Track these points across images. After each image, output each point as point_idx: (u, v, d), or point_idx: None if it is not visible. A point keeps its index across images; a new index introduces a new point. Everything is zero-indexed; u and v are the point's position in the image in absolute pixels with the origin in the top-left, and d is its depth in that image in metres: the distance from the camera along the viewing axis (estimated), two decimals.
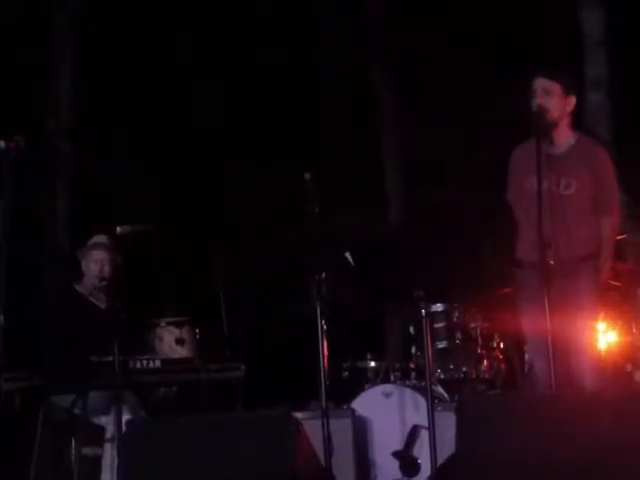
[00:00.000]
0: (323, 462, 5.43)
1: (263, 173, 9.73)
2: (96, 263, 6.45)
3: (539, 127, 5.29)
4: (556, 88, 5.34)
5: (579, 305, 5.44)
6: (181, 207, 9.66)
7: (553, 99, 5.34)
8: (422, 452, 6.20)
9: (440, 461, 5.69)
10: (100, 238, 6.55)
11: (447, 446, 5.65)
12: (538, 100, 5.33)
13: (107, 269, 6.45)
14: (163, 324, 6.35)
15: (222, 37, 10.51)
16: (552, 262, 5.24)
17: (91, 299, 6.47)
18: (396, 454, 6.31)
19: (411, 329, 7.09)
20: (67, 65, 10.08)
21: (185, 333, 6.30)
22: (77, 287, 6.54)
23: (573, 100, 5.42)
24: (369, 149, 10.39)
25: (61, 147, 9.96)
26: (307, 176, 5.71)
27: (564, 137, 5.46)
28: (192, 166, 10.05)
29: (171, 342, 6.26)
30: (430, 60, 9.95)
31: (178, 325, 6.32)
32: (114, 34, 10.14)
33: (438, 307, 7.07)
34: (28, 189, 7.46)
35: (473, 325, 7.07)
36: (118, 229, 6.33)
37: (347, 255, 6.16)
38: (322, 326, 5.56)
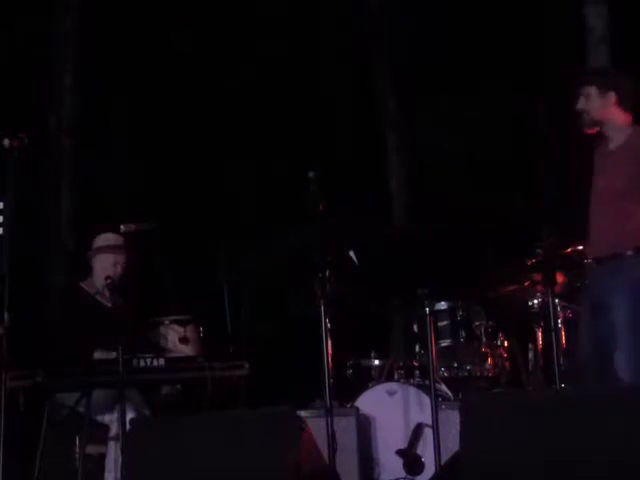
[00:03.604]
0: (327, 460, 5.43)
1: (267, 171, 9.74)
2: (115, 265, 6.40)
3: (585, 128, 5.64)
4: (592, 90, 5.60)
5: (620, 302, 5.50)
6: (185, 205, 9.66)
7: (590, 101, 5.61)
8: (426, 450, 6.20)
9: (444, 459, 5.70)
10: (116, 239, 6.48)
11: (451, 444, 5.66)
12: (578, 105, 5.64)
13: (122, 270, 6.42)
14: (167, 322, 6.35)
15: (223, 36, 10.52)
16: (597, 258, 5.55)
17: (98, 298, 6.45)
18: (400, 452, 6.30)
19: (415, 327, 7.10)
20: (69, 64, 10.09)
21: (189, 331, 6.30)
22: (83, 285, 6.53)
23: (611, 95, 5.59)
24: (373, 149, 10.40)
25: (63, 146, 9.96)
26: (311, 174, 5.72)
27: (617, 133, 5.64)
28: (195, 164, 10.05)
29: (175, 340, 6.27)
30: (430, 60, 9.97)
31: (182, 323, 6.32)
32: (116, 33, 10.15)
33: (442, 305, 7.08)
34: (32, 187, 7.46)
35: (477, 323, 7.09)
36: (122, 227, 6.32)
37: (351, 254, 6.15)
38: (326, 324, 5.56)
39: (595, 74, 5.82)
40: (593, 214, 5.62)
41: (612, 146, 5.63)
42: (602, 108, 5.59)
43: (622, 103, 5.57)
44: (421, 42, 9.95)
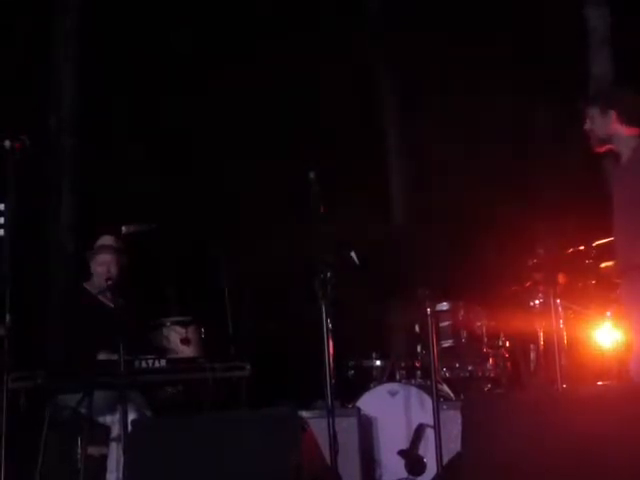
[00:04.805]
0: (329, 461, 5.42)
1: (268, 172, 9.73)
2: (102, 265, 6.44)
3: (594, 148, 5.77)
4: (595, 111, 5.72)
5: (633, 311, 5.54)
6: (185, 205, 9.64)
7: (594, 122, 5.73)
8: (428, 451, 6.21)
9: (446, 460, 5.69)
10: (107, 240, 6.54)
11: (453, 445, 5.66)
12: (585, 127, 5.77)
13: (114, 270, 6.45)
14: (169, 324, 6.36)
15: (223, 36, 10.51)
16: (619, 270, 5.62)
17: (100, 298, 6.48)
18: (402, 453, 6.31)
19: (416, 328, 7.10)
20: (69, 64, 10.08)
21: (190, 332, 6.31)
22: (86, 285, 6.56)
23: (611, 113, 5.68)
24: (373, 149, 10.39)
25: (63, 146, 9.95)
26: (312, 175, 5.71)
27: (625, 148, 5.72)
28: (195, 164, 10.04)
29: (177, 341, 6.28)
30: (431, 60, 9.96)
31: (184, 324, 6.33)
32: (116, 33, 10.14)
33: (443, 306, 7.08)
34: (32, 188, 7.45)
35: (478, 324, 7.10)
36: (123, 228, 6.32)
37: (352, 254, 6.14)
38: (328, 325, 5.55)
39: (596, 95, 5.98)
40: (614, 228, 5.68)
41: (623, 161, 5.71)
42: (605, 126, 5.69)
43: (624, 118, 5.65)
44: (421, 42, 9.94)
